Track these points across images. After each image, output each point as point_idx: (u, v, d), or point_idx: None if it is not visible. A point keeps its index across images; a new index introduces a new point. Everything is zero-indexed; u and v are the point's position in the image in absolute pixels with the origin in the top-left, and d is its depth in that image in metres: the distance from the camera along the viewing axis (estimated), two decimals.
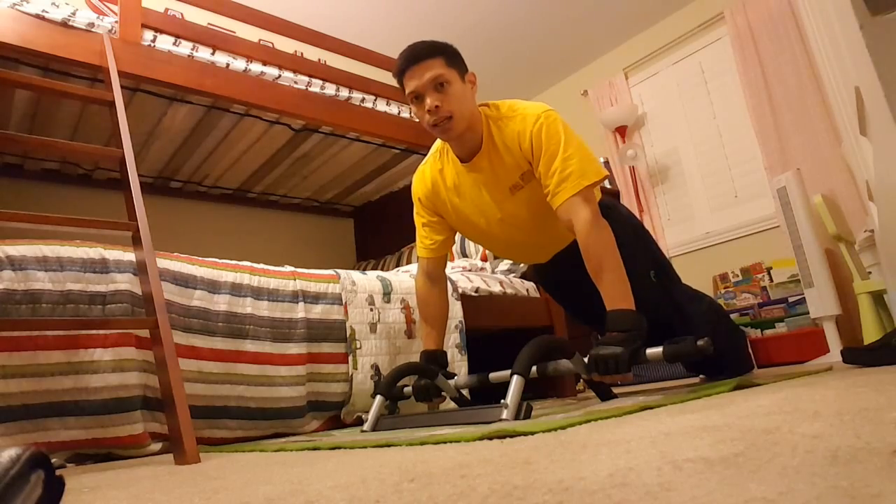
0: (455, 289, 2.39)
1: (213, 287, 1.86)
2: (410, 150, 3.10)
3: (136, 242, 1.56)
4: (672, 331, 1.56)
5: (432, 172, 1.78)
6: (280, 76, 2.42)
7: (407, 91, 1.58)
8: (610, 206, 1.69)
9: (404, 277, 2.35)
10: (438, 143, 1.78)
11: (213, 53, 2.24)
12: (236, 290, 1.90)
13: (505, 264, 2.95)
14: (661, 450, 0.56)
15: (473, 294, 2.52)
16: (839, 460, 0.42)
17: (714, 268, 3.79)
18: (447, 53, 1.58)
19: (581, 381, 2.61)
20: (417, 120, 1.70)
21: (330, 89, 2.60)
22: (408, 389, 1.78)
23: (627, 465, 0.51)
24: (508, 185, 1.63)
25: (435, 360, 1.76)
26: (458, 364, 2.30)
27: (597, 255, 1.46)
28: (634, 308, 1.42)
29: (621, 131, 4.22)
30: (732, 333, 2.00)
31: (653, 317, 1.47)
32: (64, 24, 1.90)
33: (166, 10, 2.40)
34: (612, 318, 1.40)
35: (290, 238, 3.75)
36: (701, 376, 2.12)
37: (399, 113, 2.86)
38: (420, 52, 1.56)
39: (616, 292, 1.43)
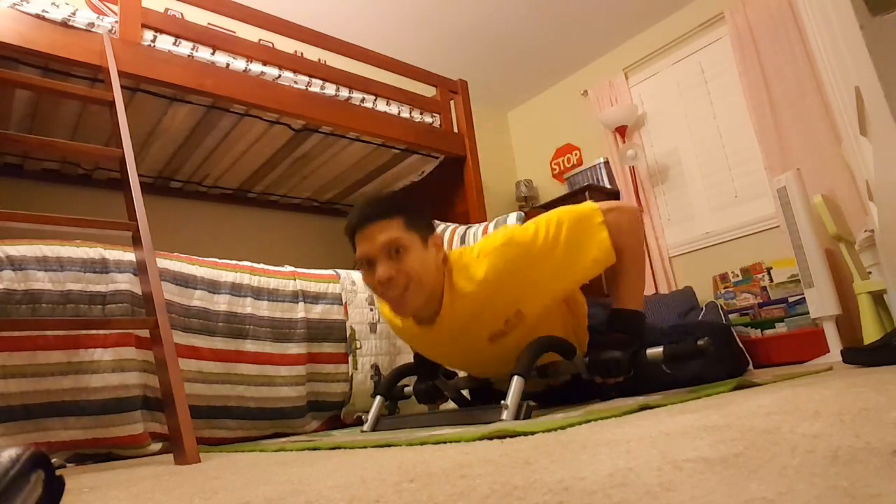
0: None
1: (213, 287, 1.86)
2: (410, 150, 3.10)
3: (136, 242, 1.56)
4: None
5: (392, 314, 1.53)
6: (280, 76, 2.43)
7: (357, 255, 1.34)
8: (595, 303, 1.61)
9: None
10: None
11: (213, 53, 2.24)
12: (236, 290, 1.90)
13: None
14: (661, 450, 0.56)
15: None
16: (839, 460, 0.42)
17: (714, 268, 3.78)
18: (408, 213, 1.34)
19: None
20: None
21: (330, 89, 2.60)
22: (408, 390, 1.77)
23: (627, 465, 0.51)
24: (487, 336, 1.39)
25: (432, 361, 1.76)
26: None
27: (630, 250, 1.38)
28: (641, 311, 1.41)
29: (621, 131, 4.22)
30: (723, 338, 1.98)
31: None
32: (64, 24, 1.90)
33: (166, 10, 2.41)
34: (616, 317, 1.39)
35: (290, 238, 3.75)
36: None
37: (399, 113, 2.86)
38: (374, 211, 1.33)
39: (630, 293, 1.40)
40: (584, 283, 1.42)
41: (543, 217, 1.38)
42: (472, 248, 1.40)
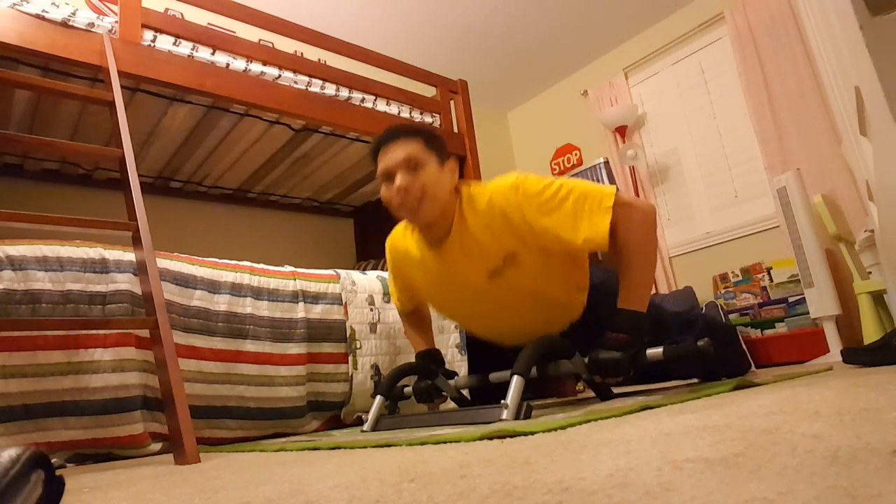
0: None
1: (213, 287, 1.86)
2: None
3: (136, 242, 1.56)
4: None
5: (399, 246, 1.67)
6: (280, 76, 2.43)
7: (378, 169, 1.46)
8: (601, 271, 1.62)
9: None
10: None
11: (213, 53, 2.24)
12: (236, 290, 1.90)
13: None
14: (661, 450, 0.56)
15: None
16: (839, 460, 0.42)
17: (714, 268, 3.79)
18: (428, 137, 1.46)
19: (581, 381, 2.61)
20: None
21: (330, 89, 2.60)
22: (408, 389, 1.77)
23: (627, 465, 0.51)
24: (486, 271, 1.46)
25: (433, 359, 1.76)
26: (458, 364, 2.30)
27: (634, 249, 1.37)
28: (645, 311, 1.39)
29: (621, 131, 4.22)
30: (726, 336, 1.99)
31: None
32: (64, 24, 1.90)
33: (166, 10, 2.41)
34: (619, 317, 1.38)
35: (290, 238, 3.75)
36: (695, 379, 2.11)
37: (399, 113, 2.86)
38: (399, 131, 1.46)
39: (634, 292, 1.39)
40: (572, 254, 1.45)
41: (560, 180, 1.42)
42: (486, 184, 1.48)
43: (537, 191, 1.39)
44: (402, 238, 1.66)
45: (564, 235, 1.36)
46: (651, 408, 1.08)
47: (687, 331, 1.67)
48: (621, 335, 1.35)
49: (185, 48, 2.16)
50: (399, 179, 1.40)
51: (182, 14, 2.46)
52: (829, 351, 2.82)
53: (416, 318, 1.85)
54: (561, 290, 1.53)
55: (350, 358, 2.06)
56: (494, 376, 1.64)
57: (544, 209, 1.37)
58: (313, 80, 2.54)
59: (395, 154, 1.42)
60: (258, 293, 1.94)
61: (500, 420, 1.15)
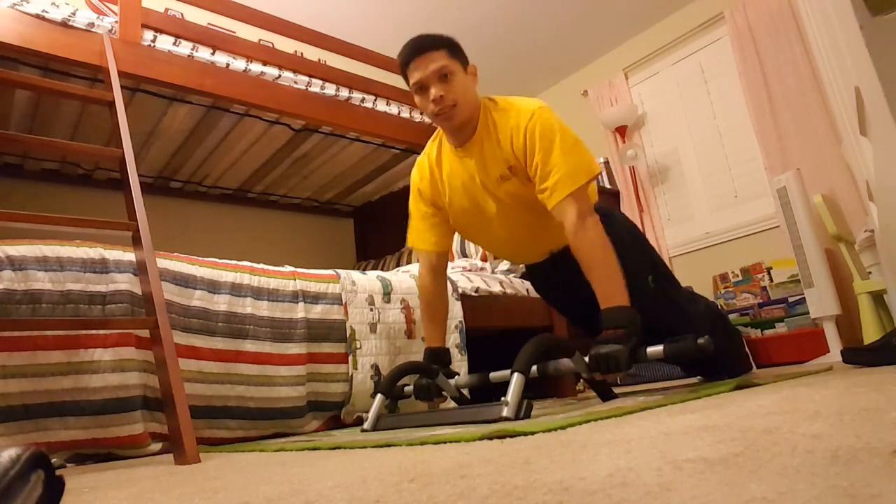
0: (455, 289, 2.39)
1: (213, 287, 1.86)
2: (410, 150, 3.10)
3: (136, 242, 1.56)
4: (673, 334, 1.56)
5: (429, 161, 1.81)
6: (280, 76, 2.42)
7: (412, 81, 1.61)
8: (605, 213, 1.68)
9: (404, 277, 2.35)
10: (436, 133, 1.80)
11: (213, 53, 2.24)
12: (236, 290, 1.90)
13: (505, 264, 2.95)
14: (661, 450, 0.56)
15: (473, 294, 2.52)
16: (839, 460, 0.42)
17: (714, 268, 3.79)
18: (450, 46, 1.61)
19: (581, 380, 2.61)
20: (418, 119, 1.71)
21: (330, 89, 2.60)
22: (408, 389, 1.78)
23: (627, 465, 0.51)
24: (496, 176, 1.65)
25: (439, 359, 1.77)
26: (459, 364, 2.30)
27: (586, 253, 1.48)
28: (629, 304, 1.41)
29: (621, 131, 4.22)
30: (730, 334, 2.00)
31: (653, 320, 1.46)
32: (64, 24, 1.90)
33: (166, 10, 2.41)
34: (607, 316, 1.40)
35: (290, 238, 3.75)
36: (699, 378, 2.12)
37: (399, 113, 2.86)
38: (424, 44, 1.59)
39: (609, 289, 1.43)
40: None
41: (567, 137, 1.58)
42: (514, 99, 1.67)
43: (548, 127, 1.56)
44: (428, 161, 1.81)
45: (535, 176, 1.56)
46: (651, 408, 1.08)
47: (691, 301, 1.85)
48: (616, 331, 1.36)
49: (185, 48, 2.16)
50: (434, 91, 1.57)
51: (182, 14, 2.45)
52: (829, 351, 2.82)
53: (436, 305, 1.85)
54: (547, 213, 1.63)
55: (350, 358, 2.06)
56: (495, 375, 1.64)
57: (540, 155, 1.54)
58: (313, 80, 2.54)
59: (426, 67, 1.57)
60: (258, 293, 1.94)
61: (501, 417, 1.15)
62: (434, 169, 1.79)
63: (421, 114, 3.06)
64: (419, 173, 1.84)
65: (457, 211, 1.78)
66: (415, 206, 1.87)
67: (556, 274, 1.88)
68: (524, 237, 1.80)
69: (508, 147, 1.60)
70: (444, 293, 1.89)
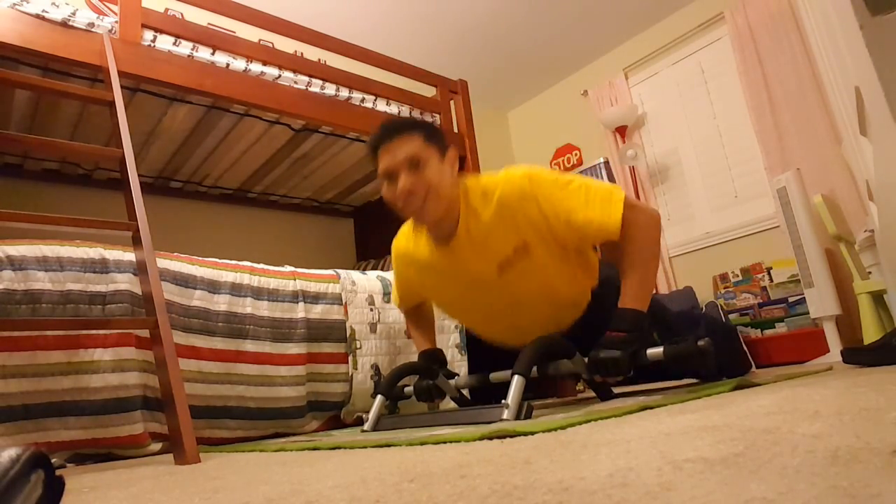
0: None
1: (213, 287, 1.86)
2: None
3: (136, 242, 1.56)
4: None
5: (407, 250, 1.65)
6: (280, 76, 2.42)
7: (380, 168, 1.44)
8: (609, 265, 1.61)
9: None
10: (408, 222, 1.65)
11: (213, 53, 2.24)
12: (236, 290, 1.90)
13: None
14: (661, 450, 0.56)
15: None
16: (839, 460, 0.42)
17: (714, 268, 3.78)
18: (427, 129, 1.45)
19: (581, 381, 2.61)
20: (386, 198, 1.46)
21: (330, 89, 2.60)
22: (408, 389, 1.77)
23: (627, 465, 0.51)
24: (496, 263, 1.46)
25: (435, 359, 1.76)
26: (459, 364, 2.30)
27: (638, 246, 1.39)
28: (645, 310, 1.39)
29: (621, 131, 4.22)
30: (727, 335, 1.99)
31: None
32: (64, 24, 1.90)
33: (166, 10, 2.41)
34: (619, 316, 1.38)
35: (290, 238, 3.75)
36: (695, 379, 2.12)
37: (399, 113, 2.86)
38: (397, 127, 1.44)
39: (635, 291, 1.39)
40: (578, 244, 1.47)
41: (569, 174, 1.47)
42: (493, 174, 1.47)
43: (552, 179, 1.42)
44: (407, 241, 1.65)
45: (577, 220, 1.38)
46: (651, 408, 1.08)
47: (691, 329, 1.69)
48: (622, 334, 1.35)
49: (185, 48, 2.16)
50: (402, 181, 1.39)
51: (182, 14, 2.45)
52: (829, 351, 2.82)
53: (418, 316, 1.86)
54: (570, 284, 1.54)
55: (350, 358, 2.06)
56: (495, 376, 1.64)
57: (558, 196, 1.40)
58: (313, 80, 2.54)
59: (397, 153, 1.40)
60: (258, 293, 1.94)
61: (502, 420, 1.15)
62: (412, 252, 1.63)
63: (421, 113, 3.06)
64: (396, 252, 1.72)
65: (442, 302, 1.72)
66: (395, 265, 1.77)
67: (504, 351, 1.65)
68: (536, 319, 1.58)
69: (511, 224, 1.41)
70: (429, 306, 1.86)
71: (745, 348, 2.64)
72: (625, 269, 1.41)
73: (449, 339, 2.33)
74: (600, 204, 1.38)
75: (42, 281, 1.54)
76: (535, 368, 1.37)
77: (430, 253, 1.54)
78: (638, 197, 4.12)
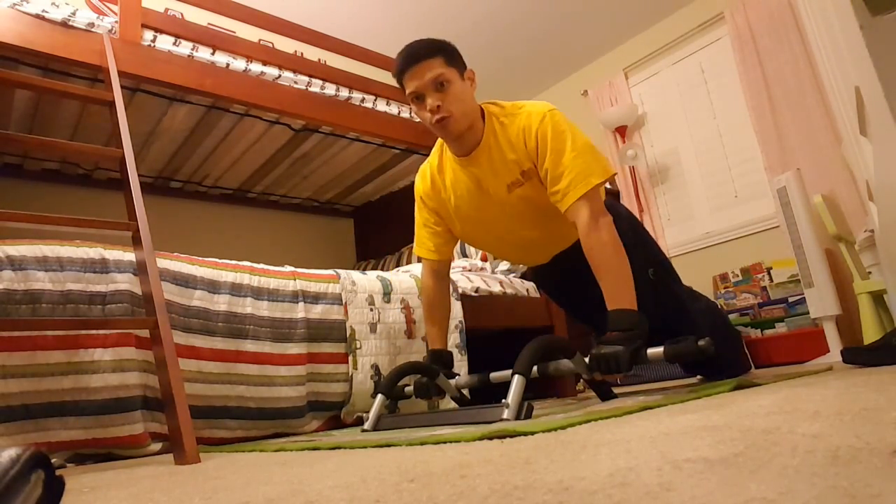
0: (455, 289, 2.39)
1: (213, 287, 1.86)
2: (410, 150, 3.10)
3: (136, 242, 1.56)
4: (672, 331, 1.56)
5: (432, 171, 1.78)
6: (280, 76, 2.42)
7: (407, 91, 1.58)
8: (609, 206, 1.68)
9: (404, 277, 2.35)
10: (439, 140, 1.78)
11: (213, 53, 2.24)
12: (236, 290, 1.90)
13: (505, 264, 2.95)
14: (661, 450, 0.56)
15: (473, 294, 2.52)
16: (839, 460, 0.42)
17: (714, 268, 3.79)
18: (446, 52, 1.58)
19: (581, 380, 2.61)
20: (418, 119, 1.67)
21: (330, 89, 2.60)
22: (409, 389, 1.78)
23: (627, 465, 0.51)
24: (506, 183, 1.62)
25: (441, 360, 1.77)
26: (459, 364, 2.30)
27: (598, 254, 1.46)
28: (636, 308, 1.41)
29: (621, 131, 4.22)
30: (729, 334, 2.00)
31: (653, 314, 1.46)
32: (64, 24, 1.90)
33: (166, 10, 2.40)
34: (613, 318, 1.40)
35: (290, 238, 3.75)
36: (698, 377, 2.12)
37: (399, 113, 2.86)
38: (420, 52, 1.55)
39: (617, 291, 1.42)
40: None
41: (578, 138, 1.57)
42: (520, 103, 1.65)
43: (560, 130, 1.55)
44: (431, 170, 1.79)
45: (552, 175, 1.53)
46: (651, 408, 1.08)
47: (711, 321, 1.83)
48: (620, 333, 1.36)
49: (185, 48, 2.16)
50: (430, 101, 1.54)
51: (182, 14, 2.45)
52: (829, 351, 2.82)
53: (438, 308, 1.86)
54: (559, 218, 1.60)
55: (350, 358, 2.06)
56: (495, 376, 1.64)
57: (553, 157, 1.53)
58: (313, 80, 2.54)
59: (422, 76, 1.53)
60: (258, 293, 1.94)
61: (502, 419, 1.15)
62: (437, 178, 1.77)
63: None
64: (422, 182, 1.83)
65: (462, 218, 1.77)
66: (418, 214, 1.87)
67: (564, 274, 1.86)
68: (535, 241, 1.79)
69: (522, 151, 1.58)
70: (447, 296, 1.90)
71: (745, 351, 2.64)
72: (598, 273, 1.47)
73: (449, 339, 2.32)
74: (576, 175, 1.50)
75: (42, 281, 1.54)
76: (535, 368, 1.37)
77: (454, 170, 1.71)
78: (638, 197, 4.12)
